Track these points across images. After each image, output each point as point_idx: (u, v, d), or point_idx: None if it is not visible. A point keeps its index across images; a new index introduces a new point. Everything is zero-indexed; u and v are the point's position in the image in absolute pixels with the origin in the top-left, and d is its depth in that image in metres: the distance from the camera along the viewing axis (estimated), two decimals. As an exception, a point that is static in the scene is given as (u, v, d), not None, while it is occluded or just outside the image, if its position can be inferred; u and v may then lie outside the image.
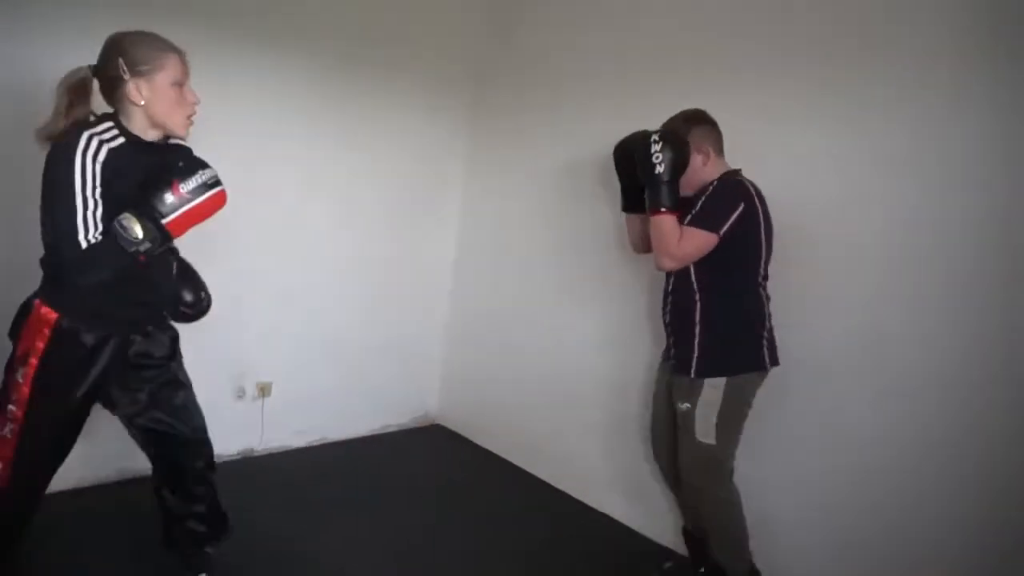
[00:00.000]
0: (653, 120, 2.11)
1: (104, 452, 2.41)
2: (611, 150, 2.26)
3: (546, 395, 3.03)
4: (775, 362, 2.01)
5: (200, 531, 1.91)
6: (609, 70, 2.78)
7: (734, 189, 1.94)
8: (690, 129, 2.00)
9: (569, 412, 2.94)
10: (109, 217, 1.46)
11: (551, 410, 3.01)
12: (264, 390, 2.94)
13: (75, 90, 1.52)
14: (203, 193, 1.51)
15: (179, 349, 1.87)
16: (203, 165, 1.54)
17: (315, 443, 3.15)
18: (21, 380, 1.55)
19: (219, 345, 2.77)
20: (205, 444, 1.88)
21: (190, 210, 1.50)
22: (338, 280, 3.12)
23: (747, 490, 2.06)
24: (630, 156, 2.03)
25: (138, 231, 1.44)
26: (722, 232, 1.88)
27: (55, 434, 1.65)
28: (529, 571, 2.34)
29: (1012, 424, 1.76)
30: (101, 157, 1.46)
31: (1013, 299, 1.77)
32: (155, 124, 1.56)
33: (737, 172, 2.02)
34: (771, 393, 2.04)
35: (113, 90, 1.53)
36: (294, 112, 2.83)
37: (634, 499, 2.67)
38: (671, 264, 1.97)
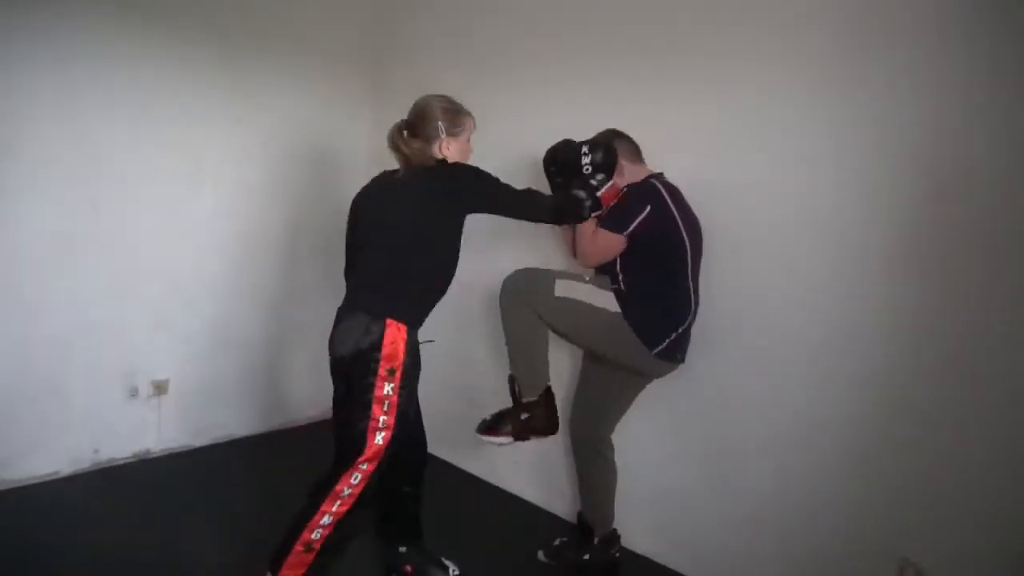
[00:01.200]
0: (570, 100, 2.31)
1: None
2: (525, 132, 2.33)
3: (447, 381, 3.01)
4: (670, 357, 2.10)
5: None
6: (523, 49, 2.74)
7: (643, 193, 2.05)
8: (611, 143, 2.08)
9: (463, 393, 2.94)
10: None
11: (450, 395, 2.98)
12: (160, 388, 2.83)
13: None
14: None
15: None
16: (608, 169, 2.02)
17: (220, 440, 3.06)
18: (391, 392, 1.76)
19: (107, 343, 2.66)
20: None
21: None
22: (233, 270, 3.03)
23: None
24: (560, 163, 2.05)
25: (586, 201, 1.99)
26: (627, 232, 2.01)
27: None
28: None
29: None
30: None
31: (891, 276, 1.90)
32: None
33: (657, 176, 2.12)
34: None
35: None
36: (180, 95, 2.72)
37: (534, 476, 2.74)
38: (584, 262, 2.15)
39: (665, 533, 2.36)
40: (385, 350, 1.76)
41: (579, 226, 2.07)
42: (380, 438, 1.76)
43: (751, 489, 2.17)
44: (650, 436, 2.38)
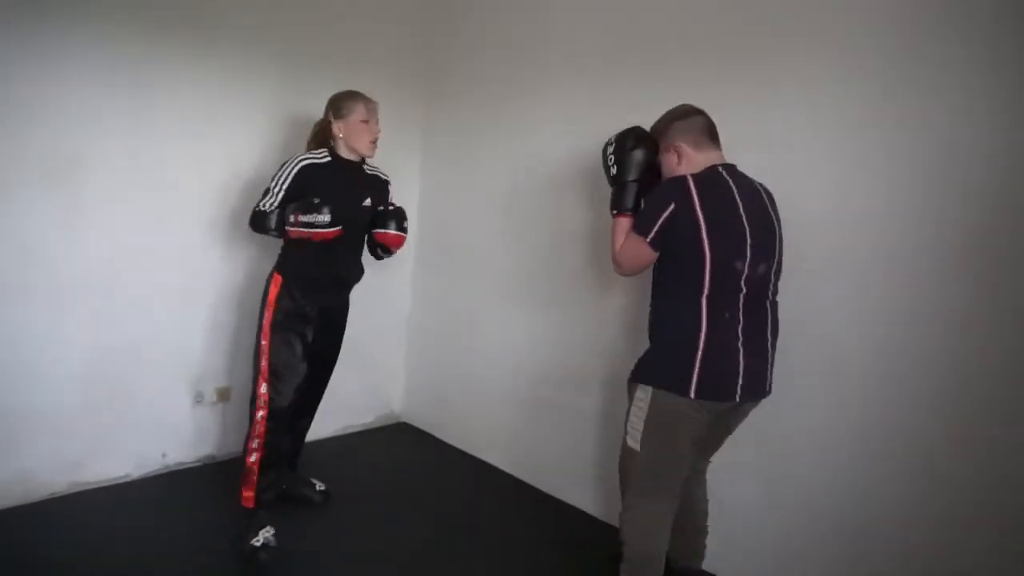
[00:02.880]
0: (616, 111, 2.19)
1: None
2: (569, 145, 2.33)
3: (510, 391, 3.05)
4: (711, 395, 1.74)
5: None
6: (563, 60, 2.79)
7: (668, 187, 1.77)
8: (668, 126, 1.88)
9: (533, 407, 2.96)
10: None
11: (516, 406, 3.03)
12: (223, 395, 2.91)
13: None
14: (306, 227, 2.19)
15: None
16: (319, 210, 2.18)
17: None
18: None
19: (173, 351, 2.75)
20: None
21: (295, 231, 2.21)
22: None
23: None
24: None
25: (272, 222, 2.27)
26: (650, 237, 1.76)
27: None
28: (498, 559, 2.35)
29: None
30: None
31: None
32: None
33: (714, 167, 1.80)
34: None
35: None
36: (239, 112, 2.82)
37: (598, 487, 2.70)
38: (616, 269, 1.92)
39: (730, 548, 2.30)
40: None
41: (613, 224, 1.92)
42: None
43: (806, 502, 2.10)
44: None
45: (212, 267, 2.83)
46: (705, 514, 2.11)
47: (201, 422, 2.88)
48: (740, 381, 1.74)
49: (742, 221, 1.73)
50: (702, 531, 2.11)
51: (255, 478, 2.27)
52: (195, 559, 2.20)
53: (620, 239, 1.88)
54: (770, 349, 1.83)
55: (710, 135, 1.86)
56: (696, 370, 1.71)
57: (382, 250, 2.53)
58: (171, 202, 2.68)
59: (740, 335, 1.74)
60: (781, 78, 2.11)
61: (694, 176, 1.75)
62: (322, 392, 2.65)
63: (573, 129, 2.71)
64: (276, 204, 2.26)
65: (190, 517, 2.46)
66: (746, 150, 1.96)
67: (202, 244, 2.79)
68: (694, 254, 1.71)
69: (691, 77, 2.33)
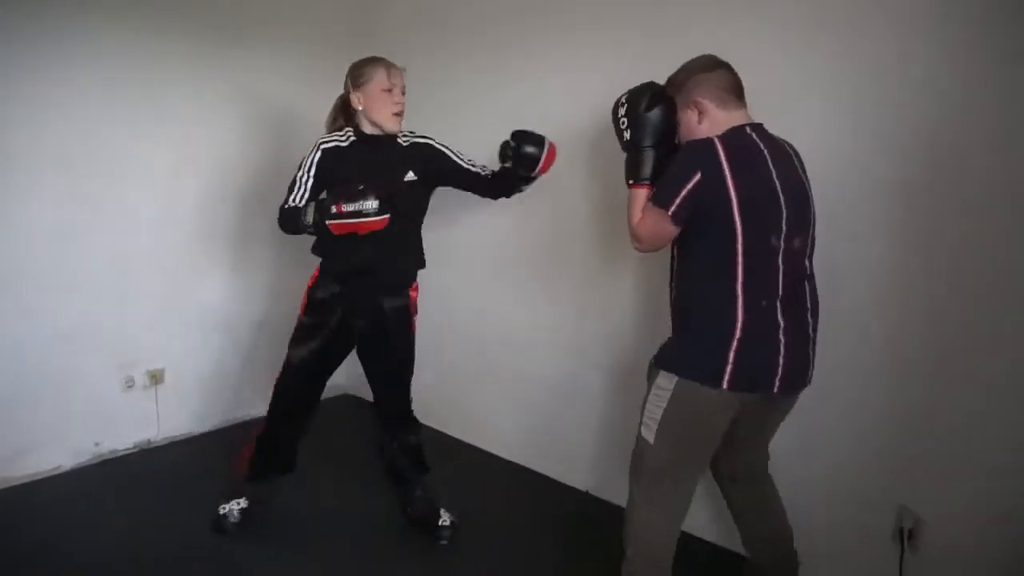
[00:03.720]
0: (598, 68, 2.16)
1: None
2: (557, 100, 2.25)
3: (465, 360, 3.03)
4: (745, 386, 1.55)
5: None
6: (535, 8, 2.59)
7: (693, 153, 1.54)
8: (688, 79, 1.63)
9: (491, 377, 2.95)
10: None
11: (473, 376, 3.01)
12: (155, 377, 2.82)
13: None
14: (351, 218, 1.91)
15: None
16: (364, 196, 1.90)
17: (221, 426, 3.06)
18: None
19: (103, 336, 2.66)
20: None
21: (337, 224, 1.93)
22: (225, 256, 3.02)
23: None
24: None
25: (310, 218, 1.98)
26: (671, 209, 1.52)
27: None
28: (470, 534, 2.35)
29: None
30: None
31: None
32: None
33: (741, 128, 1.58)
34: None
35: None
36: (163, 88, 2.68)
37: (547, 450, 2.75)
38: (634, 244, 1.67)
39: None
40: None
41: (630, 195, 1.68)
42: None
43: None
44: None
45: (139, 245, 2.72)
46: (780, 511, 1.89)
47: (135, 407, 2.79)
48: (780, 372, 1.56)
49: (776, 191, 1.52)
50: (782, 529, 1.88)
51: (251, 445, 2.26)
52: (129, 549, 2.15)
53: (637, 212, 1.63)
54: (811, 334, 1.64)
55: (736, 92, 1.61)
56: (731, 361, 1.52)
57: (522, 182, 2.14)
58: (96, 182, 2.56)
59: (781, 321, 1.54)
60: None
61: (721, 139, 1.51)
62: (398, 404, 2.31)
63: (562, 83, 2.54)
64: (306, 196, 2.06)
65: (125, 506, 2.40)
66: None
67: (125, 223, 2.67)
68: (724, 231, 1.50)
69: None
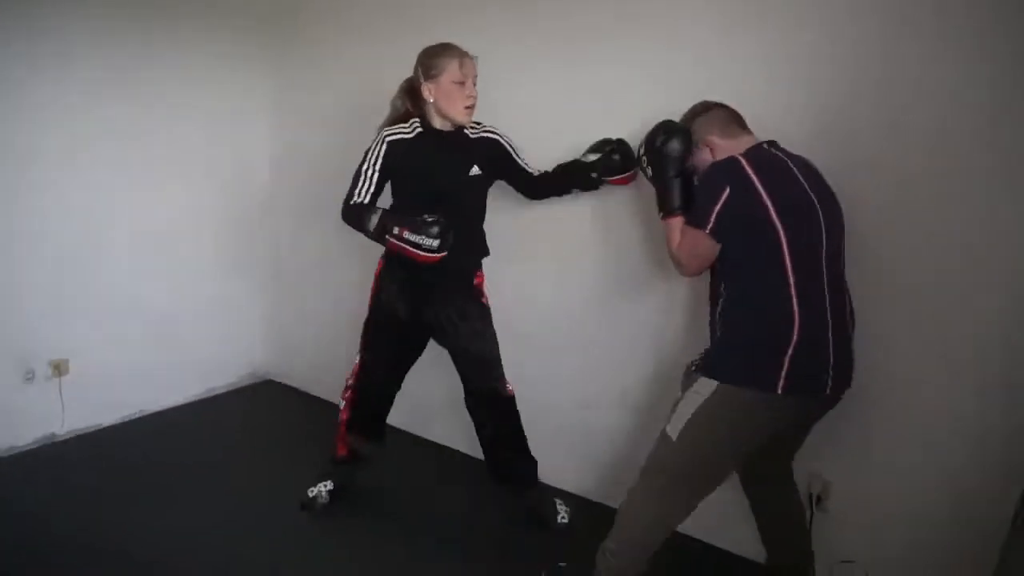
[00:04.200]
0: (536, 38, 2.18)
1: None
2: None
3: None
4: (800, 389, 1.56)
5: None
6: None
7: (719, 171, 1.59)
8: (690, 124, 1.76)
9: None
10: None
11: None
12: (59, 368, 2.64)
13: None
14: (409, 246, 1.93)
15: None
16: (428, 229, 1.91)
17: (131, 417, 2.91)
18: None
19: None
20: None
21: (396, 245, 1.95)
22: (129, 243, 2.84)
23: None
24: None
25: (372, 225, 1.99)
26: (709, 227, 1.57)
27: None
28: (384, 511, 2.35)
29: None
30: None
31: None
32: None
33: (758, 146, 1.65)
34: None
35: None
36: (70, 73, 2.47)
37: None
38: (678, 269, 1.73)
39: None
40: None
41: (665, 228, 1.76)
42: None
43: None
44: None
45: (32, 226, 2.52)
46: (800, 515, 1.91)
47: (36, 400, 2.61)
48: (831, 372, 1.57)
49: (810, 195, 1.58)
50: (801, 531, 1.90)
51: (342, 429, 2.30)
52: (30, 548, 2.02)
53: (676, 237, 1.70)
54: (851, 333, 1.66)
55: (738, 122, 1.73)
56: (787, 364, 1.52)
57: (586, 184, 2.17)
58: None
59: (830, 321, 1.57)
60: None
61: (743, 155, 1.58)
62: (489, 382, 2.21)
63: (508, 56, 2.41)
64: (371, 191, 2.04)
65: (26, 504, 2.25)
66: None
67: (27, 210, 2.48)
68: (768, 238, 1.52)
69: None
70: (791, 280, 1.52)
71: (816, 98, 1.86)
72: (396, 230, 1.92)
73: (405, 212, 2.00)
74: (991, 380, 1.74)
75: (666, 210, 1.76)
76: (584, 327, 2.39)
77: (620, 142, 2.08)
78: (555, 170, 2.20)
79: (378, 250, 2.17)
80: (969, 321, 1.74)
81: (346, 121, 2.90)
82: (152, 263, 2.92)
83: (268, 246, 3.35)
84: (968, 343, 1.76)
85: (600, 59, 2.21)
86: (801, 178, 1.59)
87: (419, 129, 2.06)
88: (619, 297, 2.30)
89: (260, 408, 3.18)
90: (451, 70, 1.98)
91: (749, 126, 1.74)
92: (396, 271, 2.14)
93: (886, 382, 1.86)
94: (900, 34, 1.75)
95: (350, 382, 2.29)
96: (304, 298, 3.28)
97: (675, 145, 1.74)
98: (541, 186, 2.23)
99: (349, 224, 2.06)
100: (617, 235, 2.27)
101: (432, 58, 2.00)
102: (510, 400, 2.22)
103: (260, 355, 3.44)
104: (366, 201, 2.04)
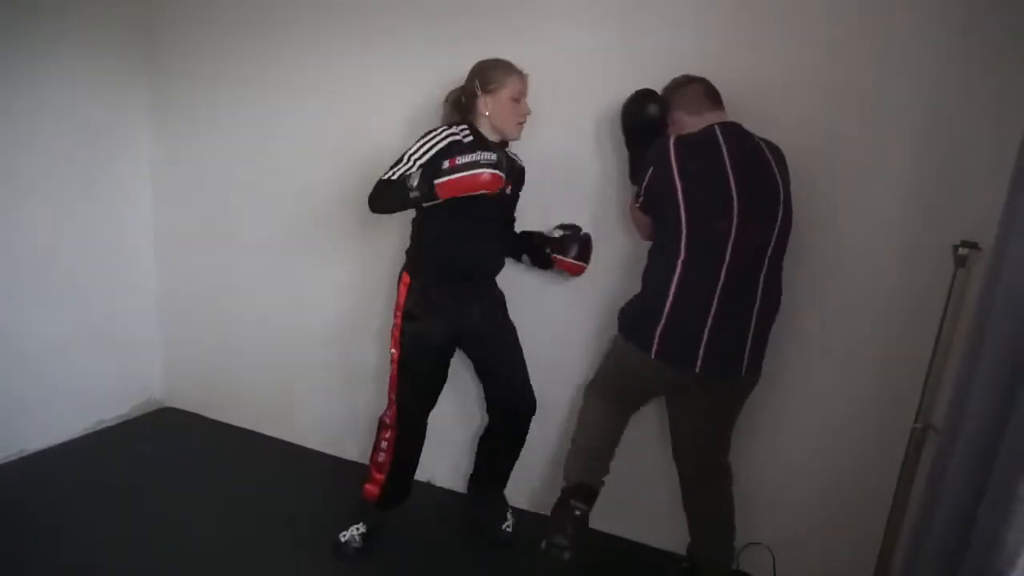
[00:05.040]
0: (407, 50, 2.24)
1: None
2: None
3: (280, 356, 2.92)
4: (670, 360, 1.74)
5: None
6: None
7: (651, 152, 1.76)
8: (668, 99, 1.88)
9: (314, 370, 2.86)
10: None
11: (287, 370, 2.91)
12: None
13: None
14: (468, 170, 1.79)
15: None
16: (490, 150, 1.83)
17: (11, 458, 2.65)
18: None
19: None
20: None
21: (453, 179, 1.80)
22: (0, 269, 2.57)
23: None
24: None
25: (415, 180, 1.85)
26: (639, 202, 1.83)
27: None
28: (291, 533, 2.29)
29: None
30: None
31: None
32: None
33: (709, 127, 1.75)
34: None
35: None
36: None
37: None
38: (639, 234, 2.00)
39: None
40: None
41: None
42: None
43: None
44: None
45: None
46: (722, 513, 1.98)
47: None
48: (701, 353, 1.69)
49: (728, 182, 1.65)
50: (722, 529, 1.99)
51: (382, 473, 2.17)
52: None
53: (631, 208, 1.95)
54: (753, 325, 1.73)
55: (710, 98, 1.81)
56: (658, 334, 1.72)
57: (540, 262, 2.20)
58: None
59: (714, 305, 1.67)
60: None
61: (679, 136, 1.74)
62: (526, 390, 2.24)
63: (349, 71, 2.55)
64: (408, 175, 1.90)
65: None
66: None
67: None
68: (672, 215, 1.68)
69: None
70: (679, 261, 1.68)
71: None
72: (446, 164, 1.82)
73: (441, 219, 1.99)
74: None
75: (632, 180, 1.96)
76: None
77: (586, 235, 2.16)
78: (520, 233, 2.25)
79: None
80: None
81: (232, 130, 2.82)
82: (19, 291, 2.65)
83: (160, 267, 3.15)
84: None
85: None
86: (729, 167, 1.66)
87: (470, 136, 2.02)
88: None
89: (157, 439, 2.97)
90: (511, 85, 1.99)
91: (724, 102, 1.83)
92: (431, 292, 2.05)
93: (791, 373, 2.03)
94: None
95: (389, 422, 2.15)
96: (203, 317, 3.12)
97: (649, 111, 1.89)
98: (507, 238, 2.24)
99: (380, 205, 1.95)
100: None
101: (492, 71, 2.00)
102: (534, 408, 2.25)
103: (157, 380, 3.23)
104: (407, 173, 1.93)
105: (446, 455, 2.58)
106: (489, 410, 2.28)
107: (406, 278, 2.08)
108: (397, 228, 2.47)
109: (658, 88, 1.93)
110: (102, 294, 2.94)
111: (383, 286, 2.59)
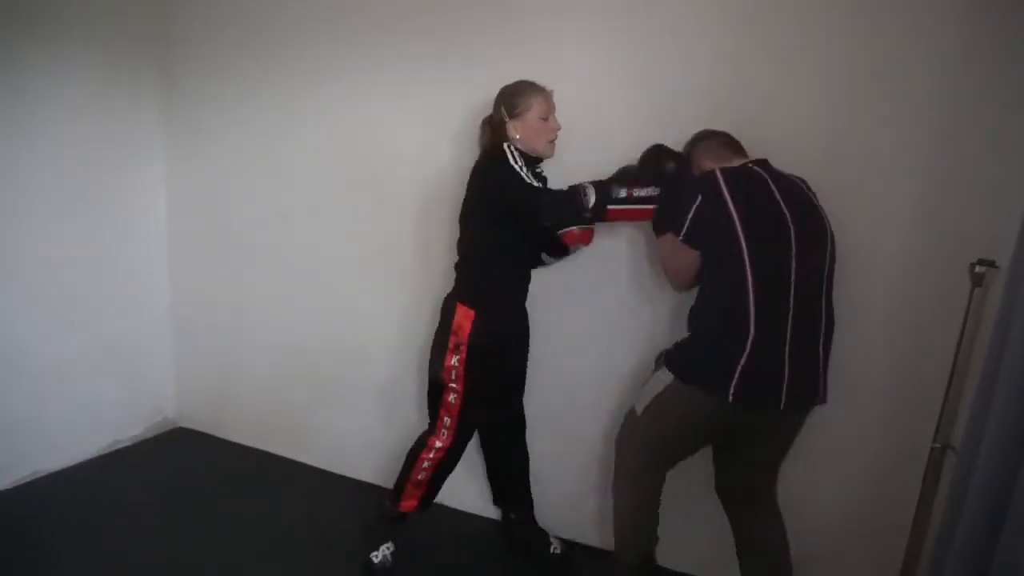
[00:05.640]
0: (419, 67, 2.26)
1: None
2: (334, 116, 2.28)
3: (299, 375, 2.91)
4: (750, 403, 1.63)
5: None
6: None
7: (693, 183, 1.71)
8: (690, 152, 1.87)
9: (326, 389, 2.85)
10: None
11: (307, 390, 2.90)
12: None
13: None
14: (642, 203, 1.85)
15: None
16: (657, 180, 1.85)
17: (25, 480, 2.66)
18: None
19: None
20: None
21: (628, 210, 1.87)
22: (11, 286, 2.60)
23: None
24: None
25: (592, 198, 1.85)
26: (683, 232, 1.67)
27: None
28: (312, 555, 2.27)
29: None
30: None
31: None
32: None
33: (743, 165, 1.72)
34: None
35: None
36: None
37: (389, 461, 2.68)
38: (672, 285, 1.88)
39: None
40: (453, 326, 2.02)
41: (658, 242, 1.88)
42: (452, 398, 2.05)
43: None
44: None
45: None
46: (779, 544, 1.86)
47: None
48: (784, 388, 1.61)
49: (781, 211, 1.61)
50: (780, 564, 1.86)
51: (420, 490, 2.16)
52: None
53: (662, 252, 1.85)
54: (822, 354, 1.68)
55: (733, 148, 1.80)
56: (737, 375, 1.59)
57: (558, 252, 2.10)
58: None
59: (788, 340, 1.60)
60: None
61: (721, 170, 1.66)
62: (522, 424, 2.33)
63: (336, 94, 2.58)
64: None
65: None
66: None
67: None
68: (731, 248, 1.58)
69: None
70: (750, 295, 1.57)
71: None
72: (623, 193, 1.86)
73: (516, 252, 2.04)
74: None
75: (656, 228, 1.88)
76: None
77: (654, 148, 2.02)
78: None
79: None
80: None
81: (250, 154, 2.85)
82: (35, 308, 2.68)
83: (175, 287, 3.18)
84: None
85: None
86: (779, 196, 1.63)
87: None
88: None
89: (172, 459, 2.99)
90: (536, 106, 1.97)
91: (747, 151, 1.80)
92: (499, 332, 2.05)
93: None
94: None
95: (441, 445, 2.10)
96: (217, 336, 3.13)
97: (667, 168, 1.87)
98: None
99: (551, 216, 1.90)
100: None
101: (516, 96, 1.99)
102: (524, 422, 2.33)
103: (170, 400, 3.24)
104: (579, 188, 1.92)
105: (475, 480, 2.53)
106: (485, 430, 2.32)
107: (469, 312, 2.01)
108: (411, 247, 2.48)
109: (671, 129, 1.95)
110: (116, 312, 2.97)
111: (399, 306, 2.59)
